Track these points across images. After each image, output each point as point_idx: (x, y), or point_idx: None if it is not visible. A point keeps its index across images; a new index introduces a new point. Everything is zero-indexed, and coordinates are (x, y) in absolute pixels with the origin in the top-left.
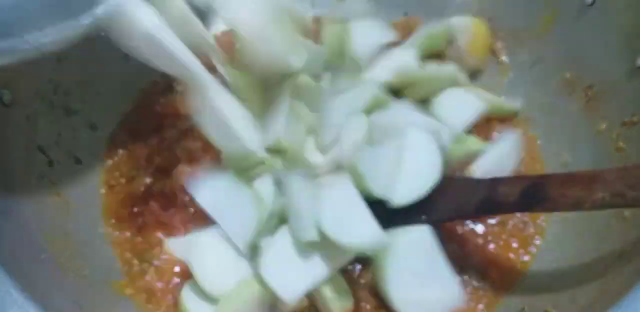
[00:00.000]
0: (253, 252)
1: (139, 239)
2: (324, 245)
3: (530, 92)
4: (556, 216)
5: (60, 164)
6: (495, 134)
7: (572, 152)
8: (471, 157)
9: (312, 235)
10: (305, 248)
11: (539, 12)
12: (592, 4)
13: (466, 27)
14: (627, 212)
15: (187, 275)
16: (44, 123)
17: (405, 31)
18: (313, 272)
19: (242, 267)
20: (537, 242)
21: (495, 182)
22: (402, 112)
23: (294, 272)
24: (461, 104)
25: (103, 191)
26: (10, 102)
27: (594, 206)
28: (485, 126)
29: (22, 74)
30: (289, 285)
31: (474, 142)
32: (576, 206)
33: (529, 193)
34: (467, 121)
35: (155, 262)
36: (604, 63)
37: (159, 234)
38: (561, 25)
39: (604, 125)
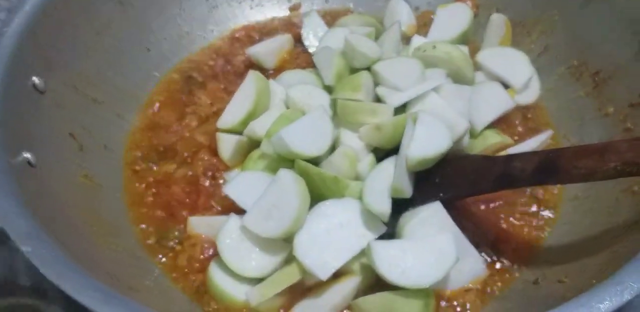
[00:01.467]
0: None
1: (163, 217)
2: (358, 221)
3: (540, 79)
4: (568, 194)
5: (89, 149)
6: (516, 123)
7: (581, 136)
8: (496, 148)
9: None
10: (342, 226)
11: (543, 3)
12: None
13: (503, 23)
14: (636, 186)
15: (215, 252)
16: (74, 111)
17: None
18: (343, 250)
19: (269, 251)
20: (550, 216)
21: (509, 158)
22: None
23: (327, 250)
24: (489, 100)
25: (128, 175)
26: (43, 90)
27: (606, 176)
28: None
29: (52, 64)
30: (323, 261)
31: (492, 136)
32: (589, 176)
33: (542, 166)
34: (492, 117)
35: (176, 242)
36: (610, 49)
37: (183, 213)
38: (566, 15)
39: (611, 109)
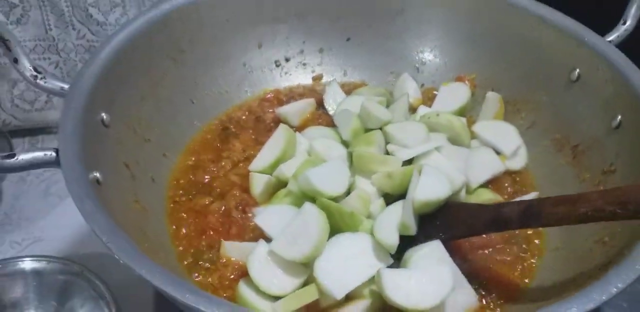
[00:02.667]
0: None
1: (199, 241)
2: (370, 252)
3: (527, 149)
4: (549, 245)
5: (140, 180)
6: (506, 185)
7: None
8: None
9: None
10: (355, 255)
11: (532, 86)
12: (577, 80)
13: (497, 100)
14: (607, 237)
15: (243, 273)
16: (129, 146)
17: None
18: (356, 275)
19: (291, 273)
20: (533, 263)
21: (500, 205)
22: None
23: (342, 274)
24: (483, 163)
25: (170, 204)
26: (108, 124)
27: (579, 220)
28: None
29: (116, 104)
30: (338, 283)
31: (485, 193)
32: (564, 220)
33: (527, 212)
34: (485, 177)
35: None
36: (587, 125)
37: (216, 239)
38: (552, 96)
39: (588, 175)
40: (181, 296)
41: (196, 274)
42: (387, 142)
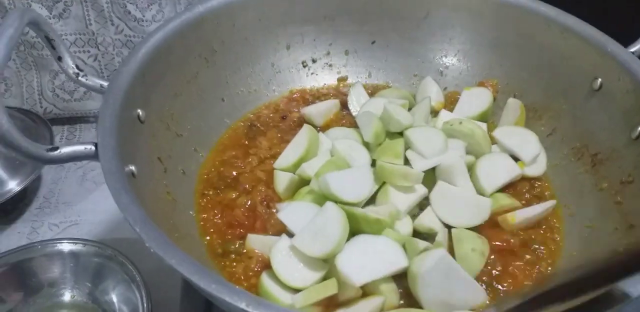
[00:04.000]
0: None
1: (225, 233)
2: (391, 252)
3: (547, 156)
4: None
5: (172, 173)
6: (524, 191)
7: (578, 206)
8: (506, 209)
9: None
10: (376, 252)
11: (554, 93)
12: (599, 89)
13: (518, 107)
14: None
15: (266, 265)
16: (162, 141)
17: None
18: (374, 269)
19: (311, 267)
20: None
21: None
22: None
23: (362, 265)
24: (500, 168)
25: (199, 197)
26: (143, 120)
27: None
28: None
29: (151, 101)
30: (358, 272)
31: (503, 199)
32: None
33: None
34: (502, 182)
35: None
36: (607, 135)
37: (242, 232)
38: (573, 105)
39: (605, 184)
40: (207, 286)
41: (222, 264)
42: (406, 147)
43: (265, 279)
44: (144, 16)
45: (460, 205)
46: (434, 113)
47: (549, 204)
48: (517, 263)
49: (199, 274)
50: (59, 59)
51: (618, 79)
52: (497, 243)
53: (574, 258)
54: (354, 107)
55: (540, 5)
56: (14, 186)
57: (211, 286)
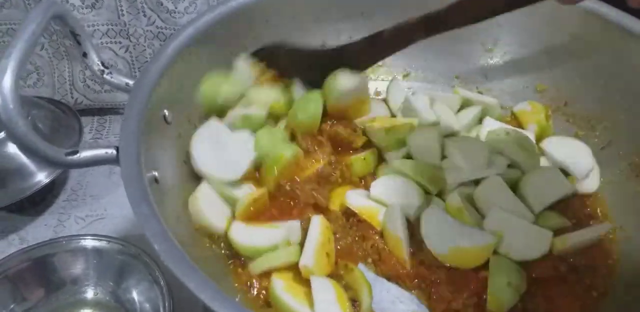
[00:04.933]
0: None
1: None
2: None
3: (601, 171)
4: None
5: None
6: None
7: (636, 228)
8: (555, 229)
9: None
10: None
11: (610, 102)
12: None
13: None
14: None
15: None
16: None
17: None
18: None
19: None
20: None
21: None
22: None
23: None
24: (550, 184)
25: None
26: (170, 121)
27: None
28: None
29: (178, 101)
30: None
31: (553, 217)
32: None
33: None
34: (552, 200)
35: None
36: None
37: None
38: (631, 115)
39: None
40: None
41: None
42: (443, 155)
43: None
44: (176, 8)
45: (516, 235)
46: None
47: (604, 227)
48: (561, 292)
49: (219, 300)
50: (84, 55)
51: None
52: (541, 273)
53: (629, 285)
54: (394, 102)
55: (601, 6)
56: (42, 177)
57: None
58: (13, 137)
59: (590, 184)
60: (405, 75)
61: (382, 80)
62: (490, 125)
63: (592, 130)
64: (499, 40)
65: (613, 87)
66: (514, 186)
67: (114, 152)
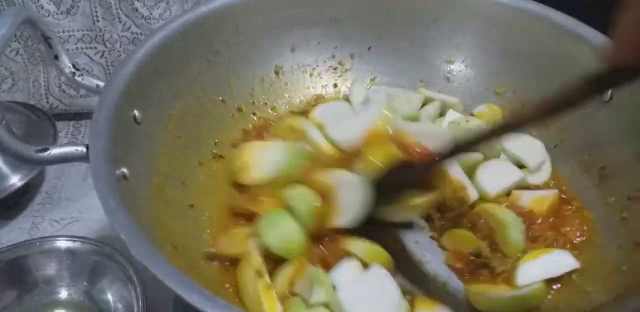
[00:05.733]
0: None
1: None
2: None
3: (553, 167)
4: None
5: (168, 176)
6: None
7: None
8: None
9: None
10: None
11: None
12: (609, 101)
13: None
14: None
15: None
16: (160, 142)
17: None
18: None
19: None
20: None
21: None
22: None
23: None
24: (502, 172)
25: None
26: (140, 121)
27: None
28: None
29: (149, 101)
30: None
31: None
32: None
33: None
34: (504, 186)
35: None
36: (616, 149)
37: None
38: (582, 115)
39: (613, 199)
40: (190, 299)
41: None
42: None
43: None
44: (151, 14)
45: None
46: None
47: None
48: None
49: (184, 286)
50: (55, 57)
51: (631, 91)
52: None
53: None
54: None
55: (553, 13)
56: (16, 180)
57: (196, 299)
58: None
59: (541, 175)
60: (372, 79)
61: (349, 84)
62: (453, 116)
63: (545, 130)
64: (460, 46)
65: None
66: (472, 172)
67: (84, 149)
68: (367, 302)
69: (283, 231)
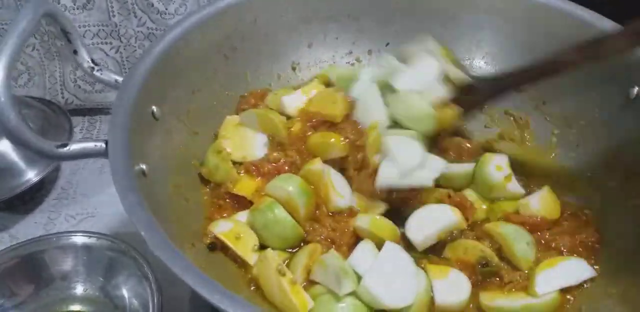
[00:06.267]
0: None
1: None
2: None
3: (575, 167)
4: None
5: (186, 172)
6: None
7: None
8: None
9: None
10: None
11: (586, 101)
12: (635, 98)
13: None
14: None
15: None
16: (177, 138)
17: None
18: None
19: None
20: None
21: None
22: None
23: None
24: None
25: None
26: (158, 117)
27: None
28: None
29: (167, 98)
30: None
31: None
32: None
33: None
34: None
35: None
36: None
37: None
38: (606, 114)
39: (638, 201)
40: (210, 297)
41: None
42: None
43: None
44: (166, 9)
45: None
46: None
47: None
48: None
49: (202, 283)
50: (75, 52)
51: None
52: None
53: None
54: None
55: (576, 8)
56: (32, 176)
57: (214, 296)
58: (5, 130)
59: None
60: None
61: None
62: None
63: (568, 128)
64: (480, 42)
65: (589, 87)
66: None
67: (103, 145)
68: (391, 282)
69: None
